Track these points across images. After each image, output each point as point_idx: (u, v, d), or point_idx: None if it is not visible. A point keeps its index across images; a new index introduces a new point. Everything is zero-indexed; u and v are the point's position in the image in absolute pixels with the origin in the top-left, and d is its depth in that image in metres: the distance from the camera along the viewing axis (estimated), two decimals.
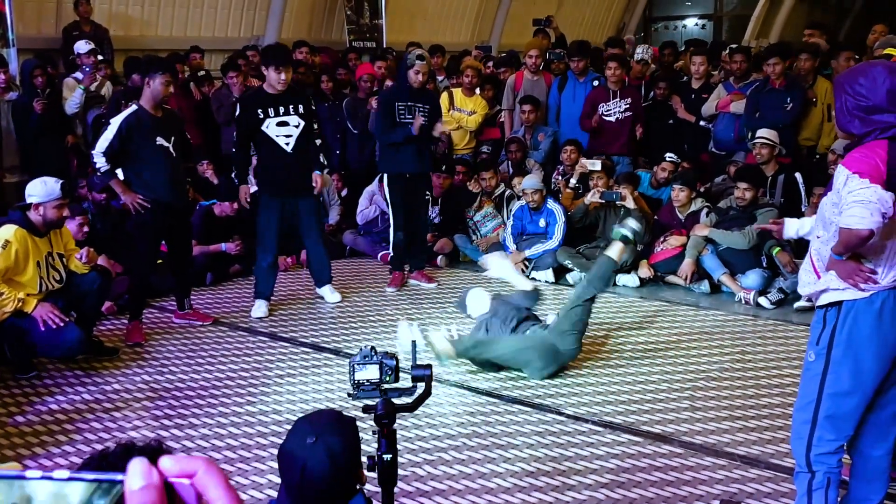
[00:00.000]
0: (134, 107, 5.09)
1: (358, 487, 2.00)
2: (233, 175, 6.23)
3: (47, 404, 4.33)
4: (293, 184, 5.63)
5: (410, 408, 2.25)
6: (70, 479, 0.51)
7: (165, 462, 0.53)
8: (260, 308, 5.78)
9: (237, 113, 5.62)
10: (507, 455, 3.72)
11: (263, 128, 5.50)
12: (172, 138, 5.19)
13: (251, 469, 3.63)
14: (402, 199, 6.18)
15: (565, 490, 3.43)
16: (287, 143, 5.56)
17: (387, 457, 2.08)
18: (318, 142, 5.72)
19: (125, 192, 5.13)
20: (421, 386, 2.25)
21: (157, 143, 5.09)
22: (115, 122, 5.06)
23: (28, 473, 0.52)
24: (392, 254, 6.39)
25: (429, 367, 2.25)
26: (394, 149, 6.06)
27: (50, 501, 0.51)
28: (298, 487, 1.89)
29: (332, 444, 1.90)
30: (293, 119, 5.56)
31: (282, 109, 5.52)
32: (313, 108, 5.74)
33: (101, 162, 5.06)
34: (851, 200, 2.53)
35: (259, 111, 5.49)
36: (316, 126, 5.70)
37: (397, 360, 2.20)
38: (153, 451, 1.58)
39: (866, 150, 2.61)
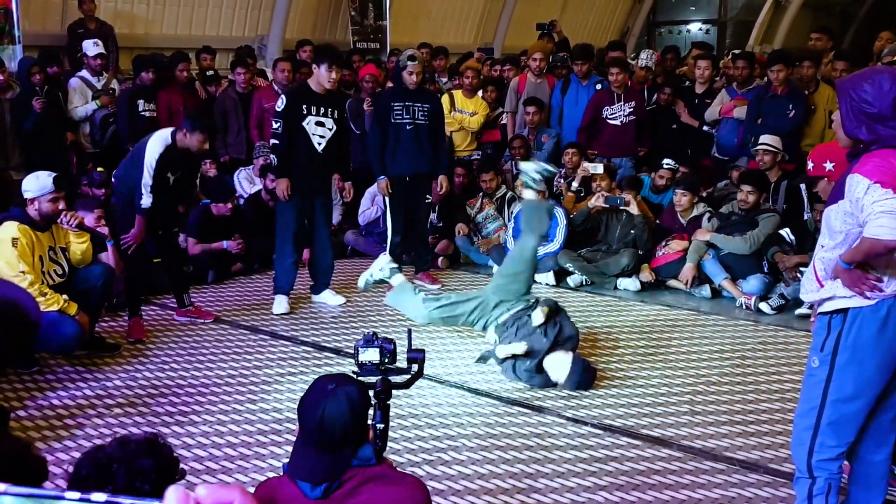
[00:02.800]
0: (169, 141, 5.13)
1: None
2: (256, 167, 6.21)
3: (48, 399, 4.34)
4: (316, 183, 5.73)
5: (405, 385, 2.53)
6: (107, 502, 0.52)
7: (201, 491, 0.54)
8: (281, 303, 5.84)
9: (282, 105, 5.58)
10: (506, 456, 3.73)
11: (304, 123, 5.59)
12: (179, 172, 5.30)
13: (251, 467, 3.64)
14: (400, 202, 6.18)
15: (564, 492, 3.43)
16: (319, 144, 5.65)
17: (380, 426, 2.34)
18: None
19: (140, 234, 5.15)
20: (414, 367, 2.53)
21: (167, 175, 5.20)
22: (151, 161, 5.06)
23: (67, 495, 0.52)
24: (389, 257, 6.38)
25: (422, 351, 2.55)
26: (391, 151, 6.06)
27: None
28: (318, 431, 2.03)
29: (350, 391, 2.10)
30: (329, 122, 5.66)
31: (322, 110, 5.62)
32: (346, 116, 5.84)
33: (147, 202, 5.11)
34: (879, 211, 2.49)
35: (303, 106, 5.58)
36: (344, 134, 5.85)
37: (395, 345, 2.49)
38: (148, 445, 1.59)
39: (880, 160, 2.57)
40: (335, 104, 5.73)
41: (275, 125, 5.66)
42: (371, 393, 2.32)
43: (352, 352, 5.09)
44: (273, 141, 5.71)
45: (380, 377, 2.42)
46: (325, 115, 5.63)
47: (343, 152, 5.96)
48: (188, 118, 5.25)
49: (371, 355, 2.43)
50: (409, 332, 2.78)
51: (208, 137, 5.31)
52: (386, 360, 2.45)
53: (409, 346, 2.60)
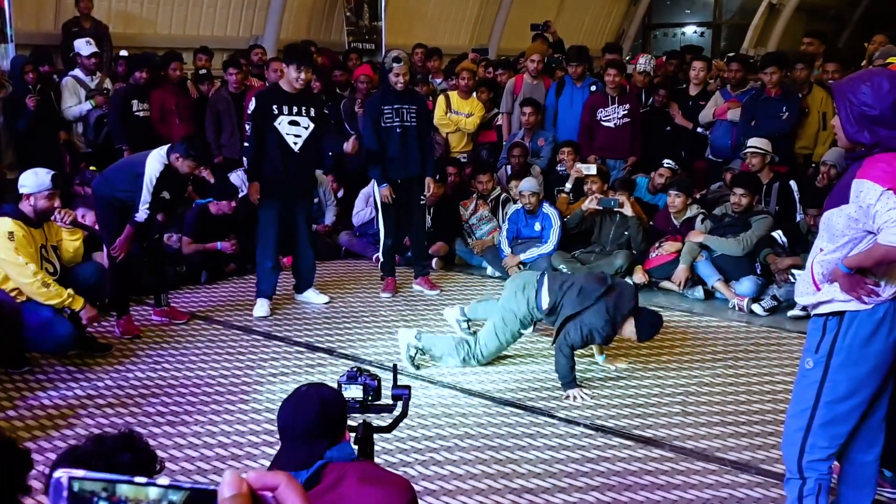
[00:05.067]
0: (166, 160, 5.12)
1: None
2: (243, 170, 6.40)
3: (39, 399, 4.33)
4: (295, 185, 5.66)
5: (387, 429, 2.48)
6: (170, 486, 0.60)
7: (252, 475, 0.61)
8: (262, 307, 5.78)
9: (252, 108, 5.55)
10: (498, 457, 3.73)
11: (276, 123, 5.53)
12: (174, 191, 5.32)
13: (242, 467, 3.63)
14: (391, 205, 6.11)
15: (555, 492, 3.43)
16: (295, 143, 5.59)
17: None
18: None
19: (127, 242, 5.16)
20: (399, 405, 2.47)
21: (162, 193, 5.21)
22: (151, 179, 5.07)
23: (136, 479, 0.61)
24: (382, 259, 6.34)
25: (407, 388, 2.48)
26: (382, 154, 5.97)
27: (132, 492, 0.60)
28: (290, 425, 2.10)
29: (322, 390, 2.19)
30: (304, 120, 5.60)
31: (295, 109, 5.57)
32: (325, 113, 5.80)
33: (143, 216, 5.13)
34: (895, 218, 2.48)
35: (274, 107, 5.53)
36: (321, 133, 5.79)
37: (379, 381, 2.42)
38: (125, 440, 1.58)
39: (886, 165, 2.55)
40: (310, 103, 5.66)
41: (246, 128, 5.63)
42: (351, 438, 2.29)
43: (344, 352, 5.12)
44: (244, 144, 5.68)
45: (360, 423, 2.36)
46: (299, 113, 5.57)
47: (322, 151, 5.92)
48: (183, 143, 5.21)
49: (354, 392, 2.34)
50: (395, 367, 2.69)
51: (198, 165, 5.37)
52: (370, 398, 2.37)
53: (395, 382, 2.52)
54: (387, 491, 1.95)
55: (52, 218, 4.69)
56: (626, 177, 7.36)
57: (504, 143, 8.04)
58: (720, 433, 4.00)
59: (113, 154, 7.13)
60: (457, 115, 7.92)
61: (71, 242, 4.83)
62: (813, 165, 6.95)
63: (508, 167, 7.71)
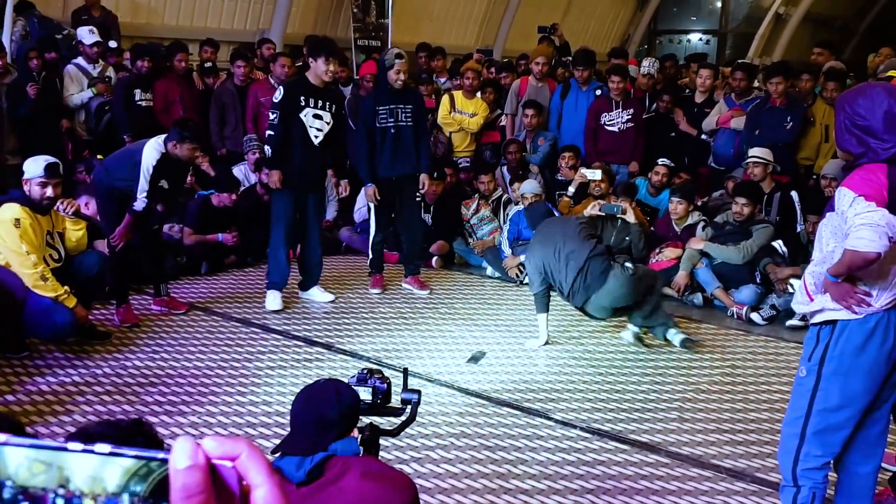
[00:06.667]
0: (163, 149, 5.11)
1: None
2: (256, 160, 6.61)
3: (37, 385, 4.33)
4: (310, 178, 5.67)
5: (394, 433, 2.50)
6: (111, 453, 0.50)
7: (210, 443, 0.53)
8: (275, 300, 5.74)
9: (280, 96, 5.51)
10: (494, 457, 3.74)
11: (301, 115, 5.52)
12: (172, 179, 5.30)
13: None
14: (384, 202, 6.08)
15: (551, 494, 3.44)
16: (316, 137, 5.59)
17: None
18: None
19: (126, 231, 5.17)
20: (408, 410, 2.50)
21: (159, 184, 5.20)
22: (148, 167, 5.08)
23: (70, 446, 0.50)
24: (371, 256, 6.29)
25: (417, 392, 2.50)
26: (375, 154, 5.94)
27: (87, 485, 0.49)
28: (302, 414, 2.12)
29: (339, 385, 2.21)
30: (326, 115, 5.60)
31: (320, 103, 5.56)
32: (343, 112, 5.82)
33: (141, 206, 5.13)
34: (859, 223, 2.52)
35: (301, 97, 5.52)
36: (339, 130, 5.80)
37: (389, 384, 2.44)
38: (137, 427, 1.58)
39: (866, 173, 2.62)
40: (333, 98, 5.67)
41: (271, 116, 5.58)
42: (357, 439, 2.29)
43: (342, 348, 5.13)
44: (268, 132, 5.63)
45: (368, 423, 2.38)
46: (322, 108, 5.58)
47: (340, 149, 5.95)
48: (175, 129, 5.16)
49: (363, 394, 2.35)
50: (405, 370, 2.69)
51: (198, 146, 5.34)
52: (378, 401, 2.38)
53: (405, 385, 2.53)
54: (389, 487, 1.96)
55: (56, 208, 4.69)
56: (628, 181, 7.37)
57: None
58: (716, 440, 4.01)
59: (114, 142, 7.13)
60: (460, 114, 7.92)
61: (74, 232, 4.83)
62: (814, 177, 6.97)
63: (505, 168, 7.72)
